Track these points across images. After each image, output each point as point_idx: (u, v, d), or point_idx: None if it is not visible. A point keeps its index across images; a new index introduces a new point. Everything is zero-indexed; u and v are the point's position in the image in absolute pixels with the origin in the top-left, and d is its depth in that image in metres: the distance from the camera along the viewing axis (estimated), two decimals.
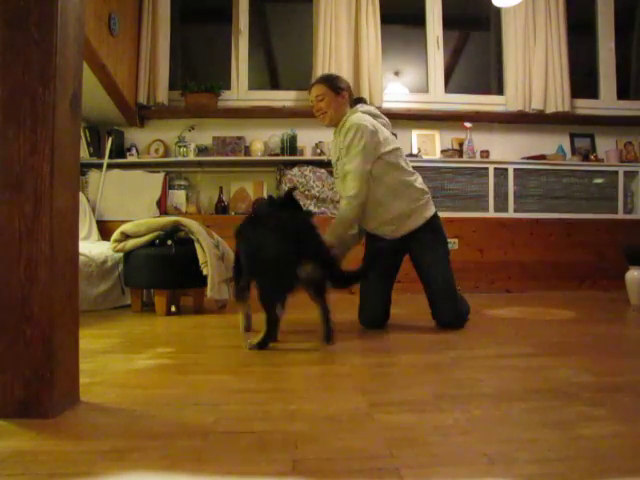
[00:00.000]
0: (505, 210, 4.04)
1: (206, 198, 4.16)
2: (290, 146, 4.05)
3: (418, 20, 4.39)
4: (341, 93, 2.42)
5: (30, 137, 1.17)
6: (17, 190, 1.17)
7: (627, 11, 4.60)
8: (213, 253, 2.84)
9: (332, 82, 2.44)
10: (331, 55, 4.04)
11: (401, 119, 4.17)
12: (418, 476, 0.91)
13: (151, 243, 2.86)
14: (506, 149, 4.33)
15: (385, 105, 4.13)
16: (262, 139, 4.14)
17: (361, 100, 2.58)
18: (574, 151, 4.36)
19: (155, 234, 2.87)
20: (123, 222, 2.98)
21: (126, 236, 2.88)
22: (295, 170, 3.94)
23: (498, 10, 4.30)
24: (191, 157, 4.02)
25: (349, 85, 2.51)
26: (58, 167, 1.19)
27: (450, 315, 2.37)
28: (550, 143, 4.32)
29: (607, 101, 4.44)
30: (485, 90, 4.54)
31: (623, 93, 4.48)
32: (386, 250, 2.44)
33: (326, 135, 4.12)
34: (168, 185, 4.05)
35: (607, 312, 3.10)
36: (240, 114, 4.17)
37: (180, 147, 4.02)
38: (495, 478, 0.90)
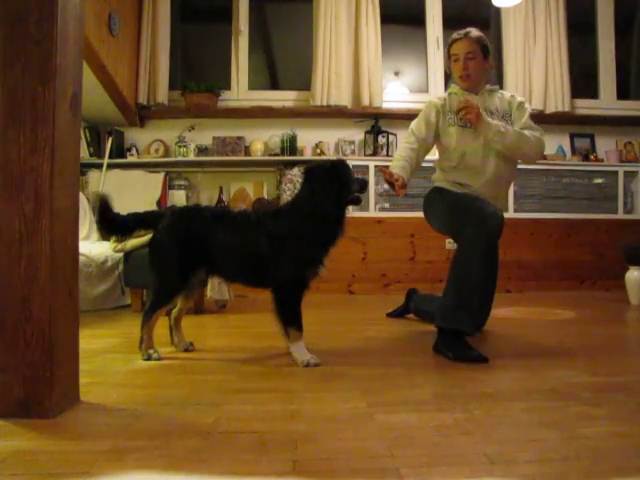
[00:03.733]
0: (505, 210, 4.04)
1: (206, 198, 4.16)
2: (290, 146, 4.04)
3: (418, 20, 4.39)
4: (488, 58, 2.19)
5: (30, 137, 1.17)
6: (17, 190, 1.17)
7: (627, 11, 4.60)
8: None
9: (484, 44, 2.17)
10: (331, 55, 4.04)
11: (401, 119, 4.15)
12: (418, 476, 0.91)
13: None
14: None
15: (385, 105, 4.12)
16: (262, 139, 4.14)
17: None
18: (574, 151, 4.35)
19: None
20: None
21: None
22: (295, 170, 3.94)
23: (498, 10, 4.29)
24: (191, 157, 4.01)
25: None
26: (58, 167, 1.19)
27: (484, 320, 2.08)
28: (550, 143, 4.29)
29: (607, 101, 4.43)
30: None
31: (623, 93, 4.47)
32: None
33: (326, 135, 4.13)
34: (168, 185, 4.04)
35: (607, 312, 3.10)
36: (240, 114, 4.17)
37: (180, 147, 4.02)
38: (495, 478, 0.90)
